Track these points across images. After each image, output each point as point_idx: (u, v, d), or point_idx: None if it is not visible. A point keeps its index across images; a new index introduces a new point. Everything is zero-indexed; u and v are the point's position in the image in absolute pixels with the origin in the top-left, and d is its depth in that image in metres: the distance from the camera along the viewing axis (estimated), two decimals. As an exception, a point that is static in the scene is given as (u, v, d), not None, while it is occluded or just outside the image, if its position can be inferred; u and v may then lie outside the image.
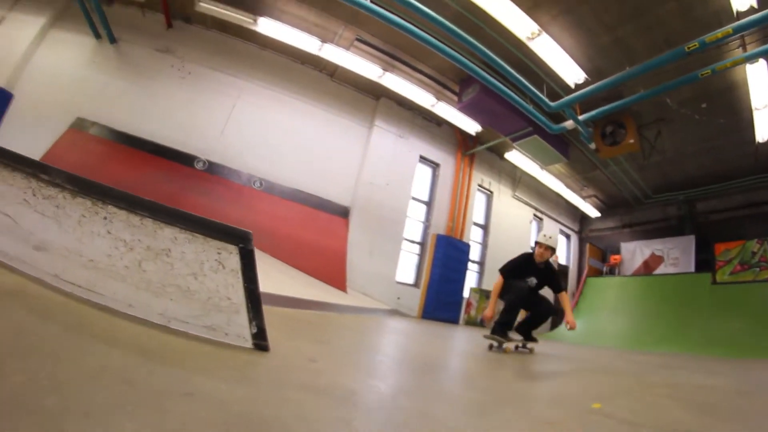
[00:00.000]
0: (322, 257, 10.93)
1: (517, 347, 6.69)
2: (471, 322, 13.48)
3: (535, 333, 6.83)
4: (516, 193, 16.82)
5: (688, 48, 7.75)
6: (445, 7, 8.83)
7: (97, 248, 2.58)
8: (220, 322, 2.56)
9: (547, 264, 6.54)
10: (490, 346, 6.34)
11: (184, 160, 11.09)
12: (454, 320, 13.12)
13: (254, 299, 2.57)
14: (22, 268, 2.63)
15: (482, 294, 13.91)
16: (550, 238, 6.33)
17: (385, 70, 11.56)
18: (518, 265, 6.50)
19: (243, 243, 2.53)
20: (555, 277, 6.63)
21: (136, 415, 1.37)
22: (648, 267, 16.54)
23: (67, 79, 12.44)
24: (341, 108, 13.17)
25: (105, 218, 2.59)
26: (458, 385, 3.42)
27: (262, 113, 12.38)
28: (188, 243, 2.55)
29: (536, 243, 6.42)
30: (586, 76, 9.84)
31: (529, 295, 6.35)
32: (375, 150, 13.13)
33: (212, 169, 11.30)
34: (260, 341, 2.59)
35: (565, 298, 6.50)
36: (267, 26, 10.90)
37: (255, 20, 10.75)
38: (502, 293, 6.45)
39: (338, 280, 10.67)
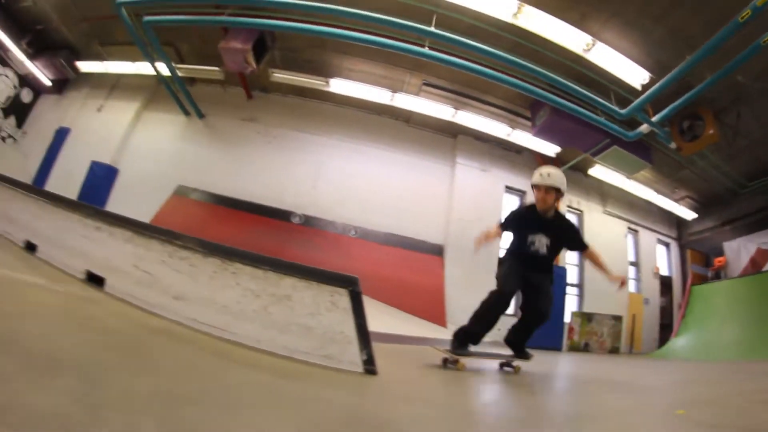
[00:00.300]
0: (421, 295, 11.16)
1: (502, 366, 5.16)
2: (574, 348, 13.04)
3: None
4: (606, 209, 16.08)
5: (742, 18, 7.30)
6: (500, 39, 9.11)
7: (229, 297, 3.13)
8: (335, 351, 3.02)
9: (558, 215, 4.87)
10: (445, 361, 4.69)
11: (281, 215, 12.04)
12: (557, 347, 12.69)
13: (363, 332, 3.05)
14: (164, 314, 3.21)
15: (584, 317, 13.38)
16: (549, 175, 4.62)
17: (456, 108, 11.96)
18: (520, 217, 4.99)
19: (352, 286, 3.06)
20: (573, 230, 5.06)
21: (279, 410, 1.91)
22: (756, 264, 14.88)
23: (164, 152, 14.14)
24: (422, 150, 13.62)
25: (233, 273, 3.16)
26: (542, 397, 3.86)
27: (348, 165, 13.14)
28: (306, 289, 3.08)
29: (533, 187, 4.76)
30: (649, 74, 9.54)
31: (528, 275, 4.80)
32: (460, 187, 13.34)
33: (309, 222, 12.16)
34: (370, 366, 3.01)
35: (596, 254, 4.97)
36: (339, 86, 11.73)
37: (327, 82, 11.63)
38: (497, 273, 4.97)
39: (438, 316, 10.84)
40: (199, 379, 2.14)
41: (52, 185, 15.47)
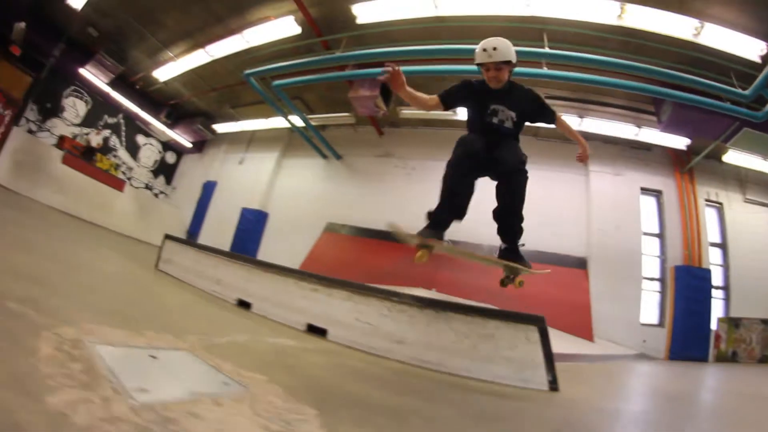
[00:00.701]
0: (568, 311, 11.05)
1: (504, 281, 4.34)
2: (722, 358, 11.71)
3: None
4: (747, 196, 14.19)
5: None
6: (608, 41, 9.33)
7: (443, 339, 3.88)
8: (528, 375, 3.69)
9: (512, 84, 4.01)
10: (418, 247, 3.95)
11: None
12: (703, 357, 11.72)
13: (549, 358, 3.73)
14: (388, 356, 3.98)
15: (731, 323, 11.94)
16: (495, 49, 3.71)
17: (581, 116, 12.07)
18: (472, 88, 4.01)
19: (540, 324, 3.80)
20: (537, 97, 4.14)
21: (515, 418, 2.75)
22: None
23: (309, 193, 15.49)
24: (553, 162, 13.41)
25: (446, 320, 3.90)
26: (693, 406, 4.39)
27: (485, 187, 13.03)
28: (506, 328, 3.82)
29: (478, 66, 3.84)
30: (766, 43, 8.95)
31: (488, 147, 3.90)
32: (597, 195, 13.07)
33: (456, 246, 12.29)
34: (554, 385, 3.66)
35: (567, 123, 4.35)
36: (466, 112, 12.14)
37: (455, 111, 12.01)
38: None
39: (585, 331, 10.87)
40: (432, 399, 2.98)
41: (206, 231, 17.68)
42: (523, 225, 4.02)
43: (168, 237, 7.70)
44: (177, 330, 2.92)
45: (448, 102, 3.99)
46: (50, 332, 1.89)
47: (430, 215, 4.00)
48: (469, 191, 4.03)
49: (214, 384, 1.98)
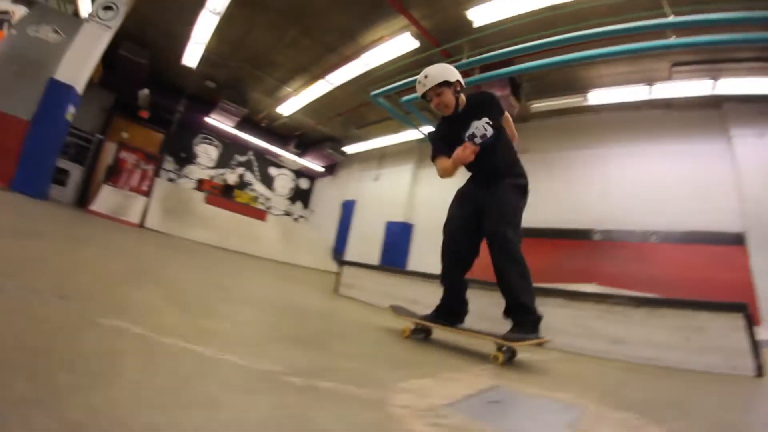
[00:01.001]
0: (726, 292, 9.65)
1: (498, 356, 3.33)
2: None
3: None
4: None
5: None
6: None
7: (658, 335, 4.17)
8: (737, 363, 3.85)
9: (469, 98, 3.99)
10: (415, 330, 4.11)
11: (582, 235, 12.33)
12: None
13: (755, 345, 3.85)
14: (606, 356, 4.32)
15: None
16: (427, 76, 3.79)
17: (714, 78, 11.00)
18: (442, 131, 4.13)
19: (744, 311, 3.95)
20: (492, 98, 4.03)
21: (744, 403, 3.06)
22: None
23: (450, 201, 15.43)
24: (691, 133, 12.33)
25: (661, 317, 4.21)
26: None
27: (627, 169, 12.73)
28: (715, 320, 4.02)
29: (423, 98, 3.94)
30: None
31: (478, 194, 4.36)
32: (743, 161, 11.40)
33: (609, 235, 12.16)
34: (759, 371, 3.77)
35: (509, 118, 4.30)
36: (597, 96, 12.08)
37: (585, 97, 12.09)
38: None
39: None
40: (697, 389, 3.27)
41: (352, 248, 18.91)
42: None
43: (347, 263, 8.49)
44: (452, 366, 3.02)
45: (444, 151, 4.02)
46: (391, 405, 1.70)
47: (438, 308, 4.19)
48: (462, 283, 4.28)
49: (559, 412, 2.07)
